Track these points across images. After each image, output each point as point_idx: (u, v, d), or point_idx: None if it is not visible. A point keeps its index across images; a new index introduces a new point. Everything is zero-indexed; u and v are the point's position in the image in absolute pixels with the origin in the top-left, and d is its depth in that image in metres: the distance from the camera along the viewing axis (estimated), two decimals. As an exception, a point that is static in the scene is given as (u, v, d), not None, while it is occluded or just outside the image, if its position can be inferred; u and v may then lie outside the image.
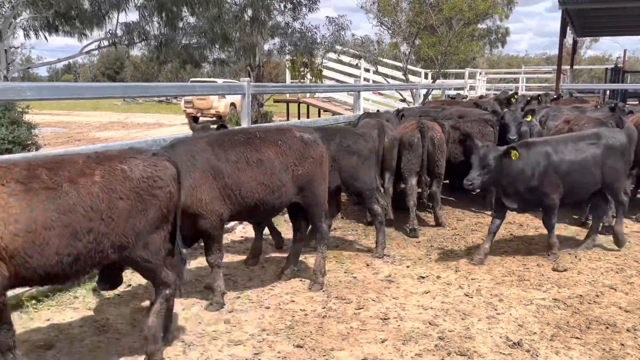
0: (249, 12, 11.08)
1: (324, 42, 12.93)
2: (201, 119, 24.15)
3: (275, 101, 20.91)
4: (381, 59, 17.77)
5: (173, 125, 23.06)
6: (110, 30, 10.05)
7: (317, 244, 5.11)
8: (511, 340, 4.03)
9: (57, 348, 3.78)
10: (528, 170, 5.52)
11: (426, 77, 20.67)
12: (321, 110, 20.58)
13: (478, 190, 6.93)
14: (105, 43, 10.31)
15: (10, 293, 4.08)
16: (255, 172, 4.32)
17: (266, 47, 12.63)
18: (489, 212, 7.55)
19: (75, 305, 4.42)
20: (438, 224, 7.16)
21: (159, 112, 32.32)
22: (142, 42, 10.35)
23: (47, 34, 9.64)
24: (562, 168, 5.63)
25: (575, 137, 6.02)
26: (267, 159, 4.41)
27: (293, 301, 4.71)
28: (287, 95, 21.74)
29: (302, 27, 12.81)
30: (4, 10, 7.84)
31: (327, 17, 12.87)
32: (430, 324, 4.30)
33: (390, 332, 4.15)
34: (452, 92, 17.83)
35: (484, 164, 5.33)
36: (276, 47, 12.69)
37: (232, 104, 23.34)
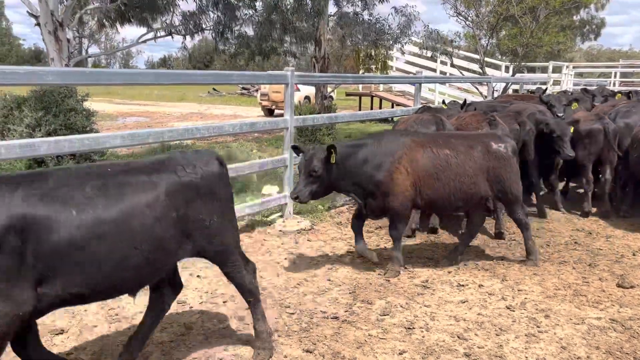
0: (309, 2, 10.84)
1: (392, 33, 12.46)
2: (277, 111, 24.52)
3: (347, 94, 20.67)
4: (456, 51, 16.92)
5: (249, 117, 23.46)
6: (165, 19, 10.28)
7: None
8: (549, 364, 3.55)
9: (67, 334, 3.79)
10: None
11: (507, 71, 19.53)
12: (394, 104, 20.08)
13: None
14: (162, 33, 10.54)
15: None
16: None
17: (329, 37, 12.33)
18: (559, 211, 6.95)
19: (96, 291, 4.43)
20: (499, 231, 6.33)
21: (240, 105, 33.04)
22: (199, 32, 10.47)
23: (118, 25, 10.02)
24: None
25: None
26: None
27: (315, 302, 4.47)
28: (360, 88, 21.44)
29: (371, 18, 12.42)
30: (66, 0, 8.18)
31: (394, 7, 12.42)
32: (458, 337, 3.89)
33: (412, 344, 3.79)
34: (534, 87, 16.66)
35: None
36: (339, 38, 12.37)
37: (307, 97, 23.32)
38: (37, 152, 3.87)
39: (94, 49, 54.74)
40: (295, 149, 5.10)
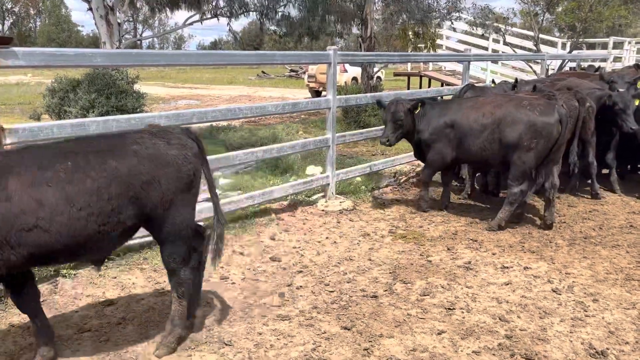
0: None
1: (440, 10, 12.13)
2: (323, 93, 24.50)
3: (395, 74, 20.32)
4: (508, 28, 16.27)
5: (296, 99, 23.59)
6: (212, 2, 10.38)
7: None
8: (594, 348, 3.43)
9: (116, 305, 3.96)
10: None
11: (564, 47, 18.67)
12: (443, 84, 19.62)
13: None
14: (208, 15, 10.66)
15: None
16: None
17: (377, 16, 12.14)
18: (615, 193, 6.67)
19: (144, 266, 4.61)
20: (548, 219, 5.83)
21: (287, 87, 33.20)
22: (244, 14, 10.52)
23: (168, 9, 10.23)
24: None
25: None
26: None
27: (355, 280, 4.48)
28: (409, 67, 21.05)
29: (419, -5, 12.14)
30: (116, -15, 8.42)
31: (444, -18, 12.05)
32: (500, 319, 3.82)
33: (452, 324, 3.75)
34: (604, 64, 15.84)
35: None
36: (386, 16, 12.14)
37: (354, 78, 23.17)
38: (87, 131, 4.03)
39: (148, 34, 56.17)
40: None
